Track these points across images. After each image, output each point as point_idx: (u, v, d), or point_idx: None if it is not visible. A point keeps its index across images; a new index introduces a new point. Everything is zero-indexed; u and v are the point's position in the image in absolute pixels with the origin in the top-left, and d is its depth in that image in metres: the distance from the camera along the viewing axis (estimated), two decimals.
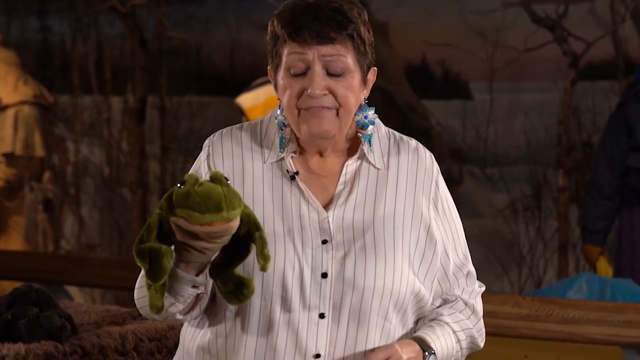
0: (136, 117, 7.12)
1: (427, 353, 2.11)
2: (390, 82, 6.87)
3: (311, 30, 2.04)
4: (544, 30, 6.18)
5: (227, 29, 6.99)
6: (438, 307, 2.22)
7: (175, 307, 2.03)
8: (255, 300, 2.06)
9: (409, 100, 6.84)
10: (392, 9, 6.61)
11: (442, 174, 2.23)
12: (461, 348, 2.20)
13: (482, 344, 2.24)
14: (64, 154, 7.34)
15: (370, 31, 2.13)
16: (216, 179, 1.89)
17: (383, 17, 6.74)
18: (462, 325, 2.21)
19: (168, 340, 3.13)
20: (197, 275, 2.00)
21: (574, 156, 6.25)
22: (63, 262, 5.56)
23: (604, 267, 5.25)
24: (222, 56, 7.05)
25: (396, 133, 2.24)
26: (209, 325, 2.15)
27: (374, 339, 2.10)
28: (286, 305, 2.06)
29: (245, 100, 5.10)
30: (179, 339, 2.29)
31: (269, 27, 2.13)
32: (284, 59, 2.08)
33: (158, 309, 1.96)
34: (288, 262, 2.06)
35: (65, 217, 7.39)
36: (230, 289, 1.98)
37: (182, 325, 2.26)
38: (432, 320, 2.19)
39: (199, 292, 2.03)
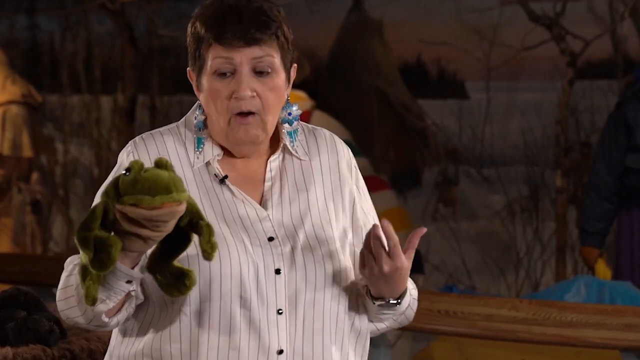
0: (126, 117, 7.13)
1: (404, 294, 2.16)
2: (385, 81, 6.86)
3: (236, 33, 2.06)
4: (541, 28, 6.19)
5: None
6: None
7: (105, 305, 2.01)
8: (215, 303, 2.07)
9: (404, 100, 6.84)
10: (387, 7, 6.63)
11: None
12: (409, 307, 2.23)
13: (412, 318, 2.28)
14: (53, 155, 7.37)
15: (290, 28, 2.16)
16: (162, 164, 1.90)
17: (377, 15, 6.75)
18: (414, 292, 2.25)
19: None
20: (132, 268, 2.00)
21: (572, 157, 6.25)
22: (52, 265, 5.48)
23: (603, 270, 5.23)
24: None
25: (308, 124, 2.29)
26: (157, 331, 2.14)
27: (331, 330, 2.15)
28: (245, 305, 2.07)
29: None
30: None
31: (189, 29, 2.14)
32: (209, 63, 2.10)
33: (94, 300, 1.94)
34: (243, 261, 2.07)
35: (54, 219, 7.41)
36: (170, 281, 1.98)
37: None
38: None
39: (132, 288, 2.02)
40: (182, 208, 1.89)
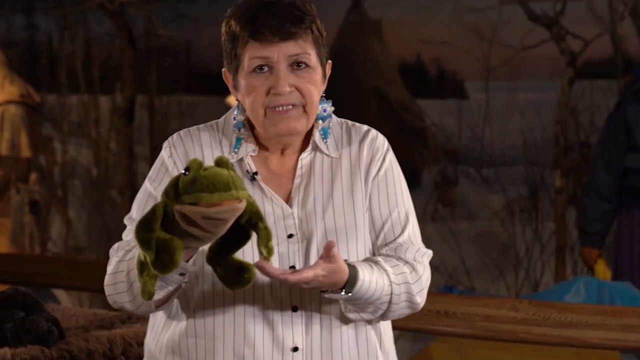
0: (125, 117, 7.11)
1: (345, 288, 2.09)
2: (384, 81, 6.84)
3: (272, 27, 2.07)
4: (541, 28, 6.17)
5: (218, 27, 6.81)
6: None
7: (156, 295, 2.04)
8: (229, 300, 2.11)
9: (403, 100, 6.82)
10: (386, 7, 6.61)
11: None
12: (393, 293, 2.18)
13: (420, 301, 2.27)
14: (51, 155, 7.35)
15: (323, 24, 2.17)
16: (222, 162, 1.91)
17: (376, 14, 6.73)
18: (400, 278, 2.22)
19: None
20: (187, 261, 2.03)
21: (571, 157, 6.24)
22: (50, 265, 5.52)
23: (602, 270, 5.23)
24: (212, 55, 7.01)
25: (348, 121, 2.29)
26: (178, 325, 2.18)
27: (347, 328, 2.16)
28: (259, 301, 2.10)
29: (235, 99, 5.08)
30: None
31: (223, 28, 2.16)
32: (245, 62, 2.11)
33: (150, 295, 1.97)
34: (256, 258, 2.04)
35: (52, 219, 7.38)
36: (230, 273, 1.99)
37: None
38: (373, 262, 2.19)
39: (184, 281, 2.06)
40: (242, 205, 1.89)
